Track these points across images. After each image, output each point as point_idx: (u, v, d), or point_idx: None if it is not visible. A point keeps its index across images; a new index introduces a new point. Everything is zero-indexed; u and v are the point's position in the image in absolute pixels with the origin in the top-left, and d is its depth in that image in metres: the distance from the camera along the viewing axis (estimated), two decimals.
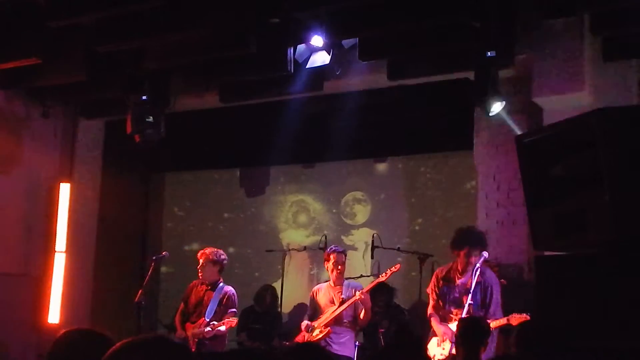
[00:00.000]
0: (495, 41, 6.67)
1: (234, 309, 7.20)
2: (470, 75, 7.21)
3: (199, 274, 7.23)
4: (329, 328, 6.96)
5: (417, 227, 9.45)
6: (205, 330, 6.94)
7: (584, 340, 4.40)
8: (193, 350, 6.84)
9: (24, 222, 9.17)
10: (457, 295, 6.41)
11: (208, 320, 6.98)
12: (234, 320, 7.01)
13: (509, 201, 8.04)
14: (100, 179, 9.99)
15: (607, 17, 6.67)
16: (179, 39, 7.25)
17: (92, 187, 9.87)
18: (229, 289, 7.24)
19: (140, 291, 7.12)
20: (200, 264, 7.20)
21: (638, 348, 4.16)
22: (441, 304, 6.50)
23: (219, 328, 6.93)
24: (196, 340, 6.95)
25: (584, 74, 6.95)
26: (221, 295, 7.14)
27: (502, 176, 8.09)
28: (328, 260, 7.15)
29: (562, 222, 4.69)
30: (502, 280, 6.98)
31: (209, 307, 7.06)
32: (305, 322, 7.16)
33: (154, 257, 7.70)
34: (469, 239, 6.36)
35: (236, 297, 7.25)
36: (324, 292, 7.19)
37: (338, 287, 7.12)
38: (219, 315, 7.04)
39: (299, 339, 7.14)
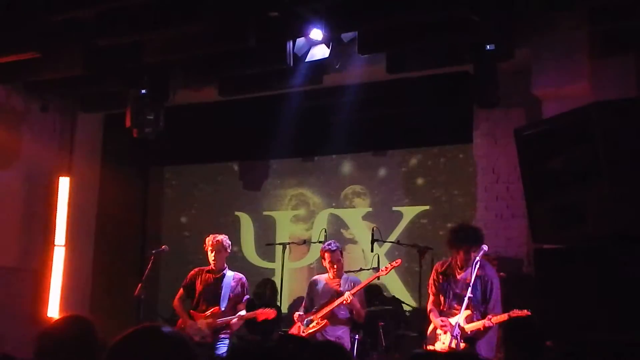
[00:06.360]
0: (495, 34, 6.67)
1: (248, 296, 7.23)
2: (470, 68, 7.21)
3: (212, 261, 7.07)
4: (325, 321, 6.96)
5: (416, 220, 9.45)
6: (232, 322, 6.95)
7: (583, 333, 4.42)
8: (210, 340, 6.89)
9: (23, 216, 9.17)
10: (458, 290, 6.38)
11: (223, 309, 6.96)
12: (243, 312, 7.06)
13: (508, 194, 8.06)
14: (100, 172, 9.99)
15: (606, 10, 6.66)
16: (178, 32, 7.24)
17: (92, 180, 9.87)
18: (241, 275, 7.21)
19: (139, 285, 7.09)
20: (215, 250, 7.05)
21: (637, 340, 4.17)
22: (442, 299, 6.49)
23: (235, 318, 6.97)
24: (212, 330, 6.93)
25: (583, 67, 6.95)
26: (234, 283, 7.10)
27: (501, 169, 8.12)
28: (324, 259, 7.14)
29: (561, 215, 4.69)
30: (501, 273, 6.97)
31: (222, 295, 7.02)
32: (297, 313, 7.16)
33: (153, 251, 7.66)
34: (466, 239, 6.32)
35: (247, 283, 7.29)
36: (322, 284, 7.18)
37: (337, 279, 7.12)
38: (232, 303, 7.03)
39: (293, 330, 7.13)
